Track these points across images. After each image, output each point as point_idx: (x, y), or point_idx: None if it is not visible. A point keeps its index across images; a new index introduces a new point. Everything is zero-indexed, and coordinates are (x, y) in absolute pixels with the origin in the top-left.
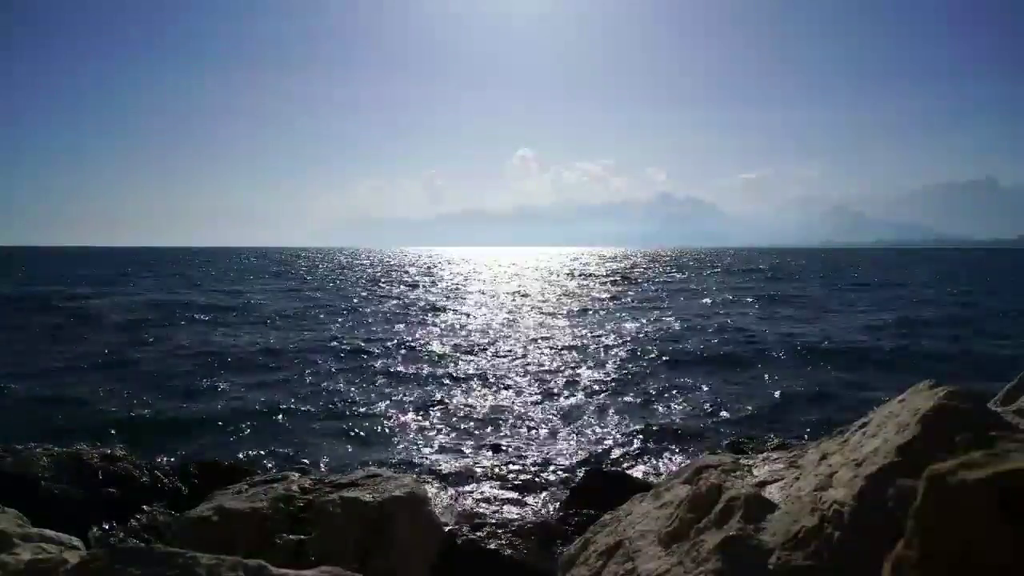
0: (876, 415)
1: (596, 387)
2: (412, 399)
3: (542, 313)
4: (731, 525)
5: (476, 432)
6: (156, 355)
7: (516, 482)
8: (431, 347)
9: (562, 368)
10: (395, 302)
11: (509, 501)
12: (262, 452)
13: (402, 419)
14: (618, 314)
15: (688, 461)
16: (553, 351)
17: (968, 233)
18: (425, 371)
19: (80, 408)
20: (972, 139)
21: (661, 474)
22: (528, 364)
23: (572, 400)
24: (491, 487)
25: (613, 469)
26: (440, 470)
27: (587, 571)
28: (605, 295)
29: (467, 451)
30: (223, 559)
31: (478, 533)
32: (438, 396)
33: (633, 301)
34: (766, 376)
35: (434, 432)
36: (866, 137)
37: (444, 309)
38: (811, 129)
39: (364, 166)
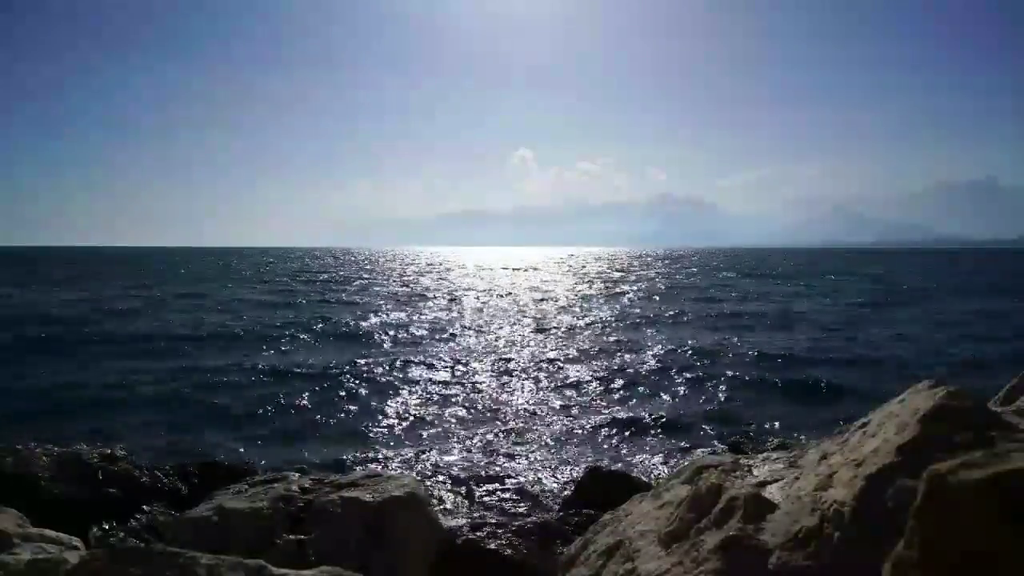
0: (876, 415)
1: (596, 388)
2: (412, 399)
3: (542, 315)
4: (731, 525)
5: (476, 433)
6: (158, 350)
7: (516, 482)
8: (431, 348)
9: (563, 369)
10: (394, 302)
11: (509, 501)
12: (262, 452)
13: (402, 419)
14: (618, 316)
15: (688, 461)
16: (553, 353)
17: (968, 233)
18: (425, 372)
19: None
20: (972, 139)
21: (661, 474)
22: (528, 365)
23: (572, 401)
24: (491, 487)
25: (613, 469)
26: (440, 470)
27: (587, 571)
28: (604, 297)
29: (467, 451)
30: (223, 559)
31: (478, 533)
32: (438, 397)
33: (633, 302)
34: (766, 377)
35: (434, 432)
36: (866, 137)
37: (445, 310)
38: (811, 129)
39: (364, 166)
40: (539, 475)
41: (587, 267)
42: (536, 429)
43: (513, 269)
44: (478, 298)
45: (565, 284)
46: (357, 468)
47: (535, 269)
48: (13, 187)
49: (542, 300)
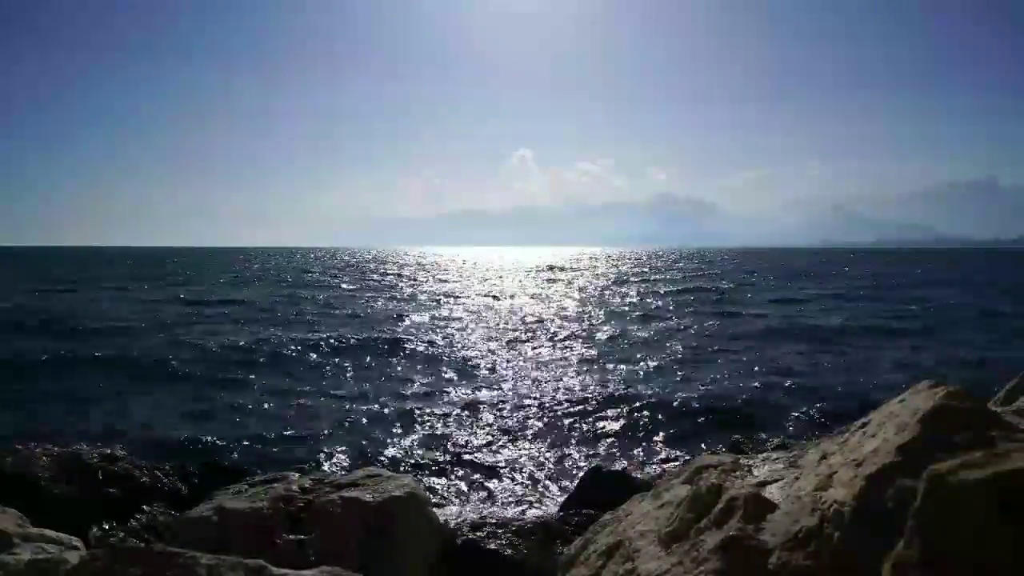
0: (876, 415)
1: (596, 388)
2: (412, 399)
3: (544, 314)
4: (731, 525)
5: (476, 433)
6: (155, 351)
7: (516, 482)
8: (431, 348)
9: (563, 369)
10: (394, 302)
11: (509, 501)
12: (262, 452)
13: (403, 420)
14: (618, 316)
15: (688, 461)
16: (555, 354)
17: (968, 233)
18: (425, 371)
19: (76, 406)
20: (972, 139)
21: (661, 474)
22: (529, 366)
23: (572, 401)
24: (491, 487)
25: (613, 469)
26: (441, 470)
27: (587, 571)
28: (604, 298)
29: (467, 452)
30: (223, 559)
31: (478, 533)
32: (438, 397)
33: (633, 302)
34: (767, 378)
35: (434, 433)
36: (866, 137)
37: (445, 309)
38: (811, 129)
39: (364, 166)
40: (539, 475)
41: (596, 268)
42: (536, 430)
43: (517, 270)
44: (480, 298)
45: (569, 285)
46: (357, 468)
47: (548, 270)
48: (14, 187)
49: (544, 302)
